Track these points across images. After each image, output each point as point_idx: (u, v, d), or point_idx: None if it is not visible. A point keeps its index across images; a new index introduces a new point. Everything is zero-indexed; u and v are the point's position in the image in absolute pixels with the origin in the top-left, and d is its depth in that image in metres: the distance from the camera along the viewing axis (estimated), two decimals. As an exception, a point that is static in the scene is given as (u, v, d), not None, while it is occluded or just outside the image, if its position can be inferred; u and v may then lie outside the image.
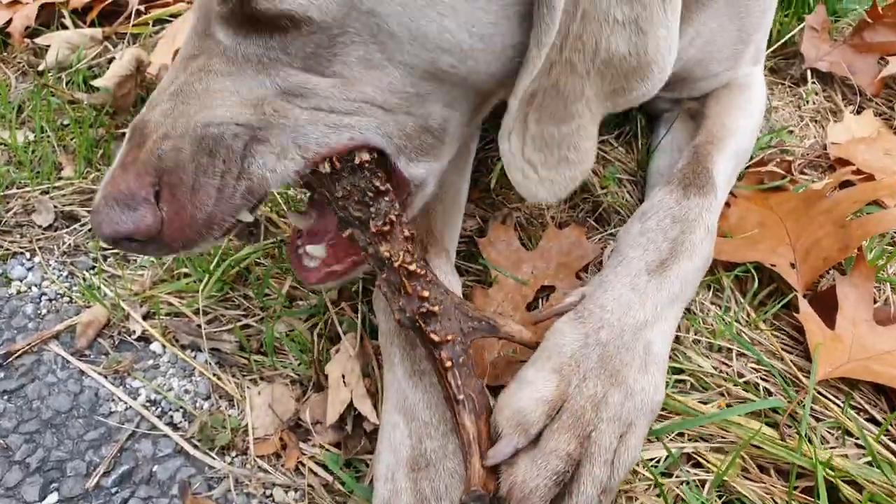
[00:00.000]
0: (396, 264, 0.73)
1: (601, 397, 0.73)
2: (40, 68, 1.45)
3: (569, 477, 0.70)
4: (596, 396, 0.73)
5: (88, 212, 1.21)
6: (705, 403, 0.86)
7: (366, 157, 0.73)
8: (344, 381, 0.89)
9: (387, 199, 0.74)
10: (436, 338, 0.72)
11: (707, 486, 0.78)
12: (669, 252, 0.86)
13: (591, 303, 0.81)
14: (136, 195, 0.70)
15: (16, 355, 0.99)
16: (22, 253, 1.14)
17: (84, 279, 1.10)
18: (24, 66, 1.50)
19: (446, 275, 0.89)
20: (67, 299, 1.08)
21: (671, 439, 0.82)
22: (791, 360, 0.90)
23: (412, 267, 0.73)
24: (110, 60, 1.45)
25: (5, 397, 0.94)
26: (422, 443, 0.77)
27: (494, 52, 0.69)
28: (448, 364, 0.72)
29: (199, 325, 1.01)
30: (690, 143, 1.05)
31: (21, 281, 1.10)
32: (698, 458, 0.82)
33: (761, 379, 0.89)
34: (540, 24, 0.66)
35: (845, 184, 1.13)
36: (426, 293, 0.73)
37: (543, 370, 0.76)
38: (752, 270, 0.99)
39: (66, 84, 1.42)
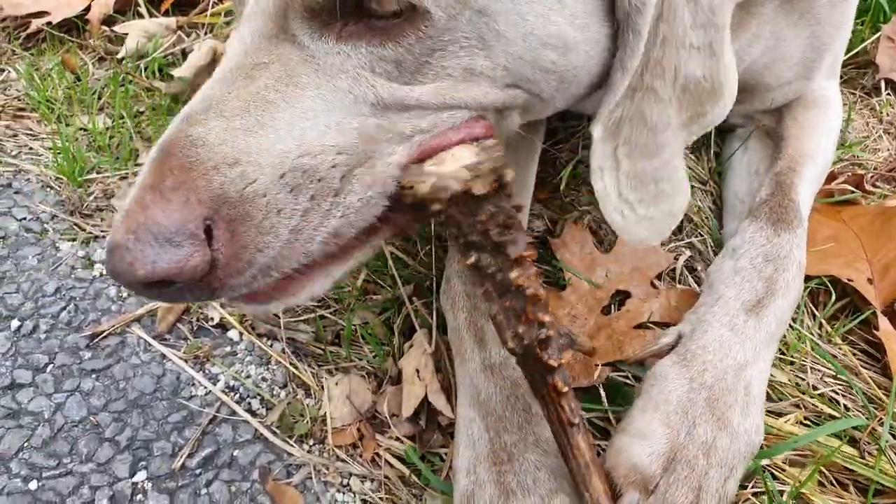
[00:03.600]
0: (530, 291, 0.66)
1: (711, 443, 0.74)
2: (119, 56, 1.49)
3: None
4: (707, 443, 0.74)
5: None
6: (780, 415, 0.87)
7: (511, 174, 0.65)
8: (418, 376, 0.90)
9: (520, 217, 0.67)
10: (553, 363, 0.68)
11: (784, 498, 0.78)
12: (765, 291, 0.87)
13: (692, 344, 0.82)
14: (181, 229, 0.57)
15: (101, 336, 1.03)
16: (103, 236, 1.18)
17: (163, 265, 1.13)
18: (101, 52, 1.54)
19: None
20: (147, 283, 1.11)
21: (747, 450, 0.83)
22: (869, 376, 0.90)
23: (541, 292, 0.67)
24: (184, 50, 1.48)
25: (94, 376, 0.98)
26: (500, 436, 0.79)
27: (591, 43, 0.68)
28: (564, 389, 0.69)
29: (276, 315, 1.03)
30: (770, 169, 1.05)
31: (103, 264, 1.14)
32: (774, 470, 0.82)
33: (837, 393, 0.89)
34: (625, 49, 0.67)
35: (922, 199, 1.12)
36: (547, 318, 0.68)
37: (654, 422, 0.76)
38: (828, 284, 0.98)
39: (143, 72, 1.46)
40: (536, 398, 0.73)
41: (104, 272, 1.13)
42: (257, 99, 0.61)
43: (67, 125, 1.36)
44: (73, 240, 1.17)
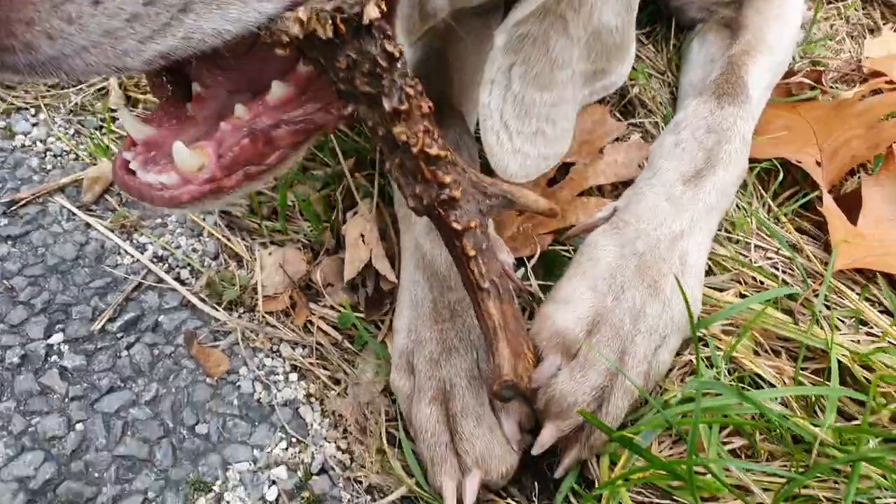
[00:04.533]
0: (416, 149, 0.60)
1: (639, 309, 0.72)
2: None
3: (608, 390, 0.69)
4: (634, 308, 0.72)
5: None
6: (720, 290, 0.85)
7: (374, 13, 0.56)
8: (363, 240, 0.87)
9: (399, 65, 0.59)
10: (458, 226, 0.64)
11: (719, 361, 0.77)
12: (705, 162, 0.84)
13: (625, 214, 0.80)
14: None
15: (20, 204, 0.97)
16: (27, 108, 1.11)
17: (91, 137, 1.07)
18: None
19: (461, 135, 0.87)
20: (73, 156, 1.05)
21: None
22: (811, 252, 0.89)
23: (433, 150, 0.61)
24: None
25: (9, 242, 0.92)
26: (443, 296, 0.76)
27: None
28: (472, 252, 0.65)
29: (209, 188, 0.98)
30: (725, 53, 1.02)
31: (25, 135, 1.07)
32: (712, 340, 0.81)
33: (777, 269, 0.88)
34: None
35: (877, 93, 1.10)
36: (447, 178, 0.62)
37: (580, 287, 0.73)
38: (778, 165, 0.97)
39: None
40: (453, 258, 0.68)
41: (26, 144, 1.07)
42: None
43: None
44: (-6, 110, 1.10)
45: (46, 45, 0.46)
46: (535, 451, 0.68)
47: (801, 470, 0.66)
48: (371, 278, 0.86)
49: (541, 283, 0.84)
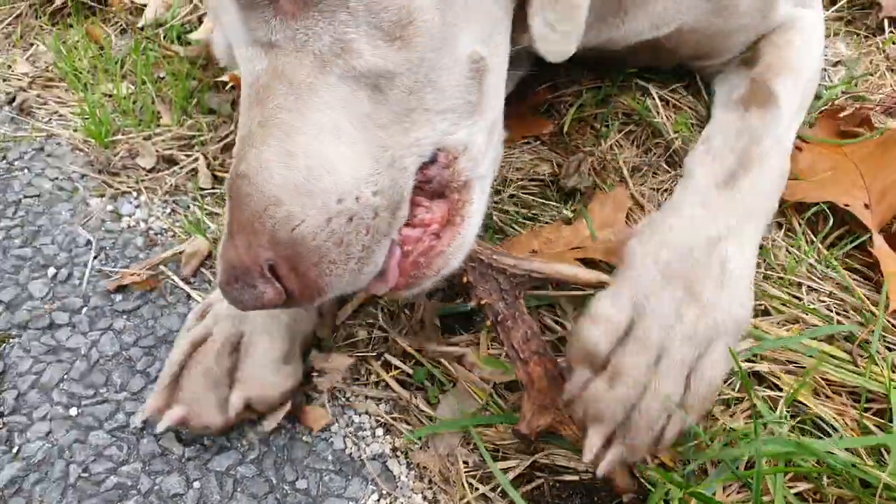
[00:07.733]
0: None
1: (671, 315, 0.74)
2: (139, 24, 1.55)
3: (642, 397, 0.72)
4: (665, 316, 0.74)
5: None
6: (779, 328, 0.89)
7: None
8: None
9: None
10: (473, 302, 0.78)
11: (780, 405, 0.81)
12: (737, 164, 0.85)
13: (661, 224, 0.82)
14: (249, 271, 0.60)
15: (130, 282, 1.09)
16: (130, 192, 1.25)
17: (186, 216, 1.19)
18: (122, 24, 1.60)
19: None
20: (171, 234, 1.18)
21: (744, 360, 0.86)
22: (864, 294, 0.92)
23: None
24: (200, 17, 1.54)
25: (125, 317, 1.04)
26: None
27: None
28: (488, 322, 0.78)
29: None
30: (748, 76, 1.02)
31: (130, 217, 1.21)
32: (772, 380, 0.85)
33: (832, 311, 0.91)
34: None
35: (923, 129, 1.12)
36: None
37: (606, 303, 0.76)
38: (826, 209, 1.01)
39: (163, 39, 1.52)
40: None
41: (131, 224, 1.20)
42: (273, 125, 0.60)
43: (93, 92, 1.42)
44: (102, 196, 1.24)
45: (335, 282, 0.62)
46: (586, 457, 0.71)
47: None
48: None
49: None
